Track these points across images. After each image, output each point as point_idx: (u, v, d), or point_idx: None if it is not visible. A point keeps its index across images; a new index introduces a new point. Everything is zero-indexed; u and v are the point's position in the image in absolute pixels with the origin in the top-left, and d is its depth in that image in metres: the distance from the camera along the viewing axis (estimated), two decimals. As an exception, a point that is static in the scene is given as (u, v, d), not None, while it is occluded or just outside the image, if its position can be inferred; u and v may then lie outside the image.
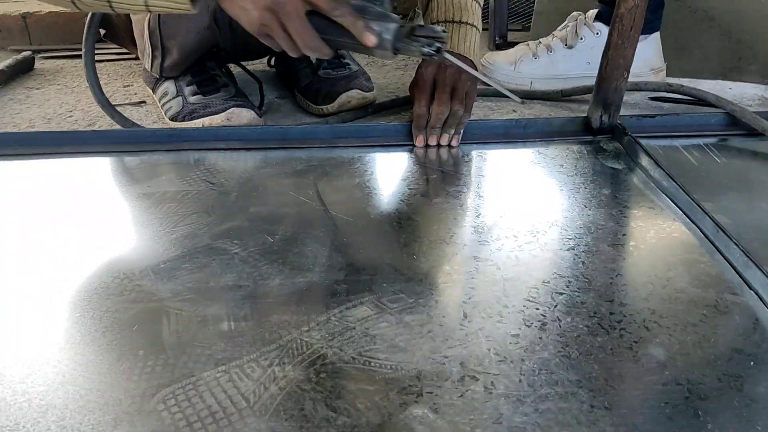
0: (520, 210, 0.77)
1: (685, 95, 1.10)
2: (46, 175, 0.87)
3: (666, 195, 0.79)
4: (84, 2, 0.78)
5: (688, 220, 0.74)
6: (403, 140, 0.95)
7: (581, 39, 1.21)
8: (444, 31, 0.79)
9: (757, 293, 0.61)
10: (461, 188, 0.83)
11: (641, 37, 1.15)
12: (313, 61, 1.16)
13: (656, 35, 1.22)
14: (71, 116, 1.10)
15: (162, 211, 0.77)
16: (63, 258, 0.68)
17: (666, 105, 1.16)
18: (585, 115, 0.98)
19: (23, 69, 1.35)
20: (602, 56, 0.92)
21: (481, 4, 1.05)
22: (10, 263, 0.67)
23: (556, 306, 0.60)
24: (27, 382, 0.51)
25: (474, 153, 0.93)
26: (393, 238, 0.71)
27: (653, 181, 0.83)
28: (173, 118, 1.05)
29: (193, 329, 0.57)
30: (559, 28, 1.26)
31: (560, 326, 0.57)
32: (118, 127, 0.99)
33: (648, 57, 1.21)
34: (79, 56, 1.01)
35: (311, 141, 0.94)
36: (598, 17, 1.21)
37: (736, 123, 0.98)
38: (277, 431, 0.47)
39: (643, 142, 0.90)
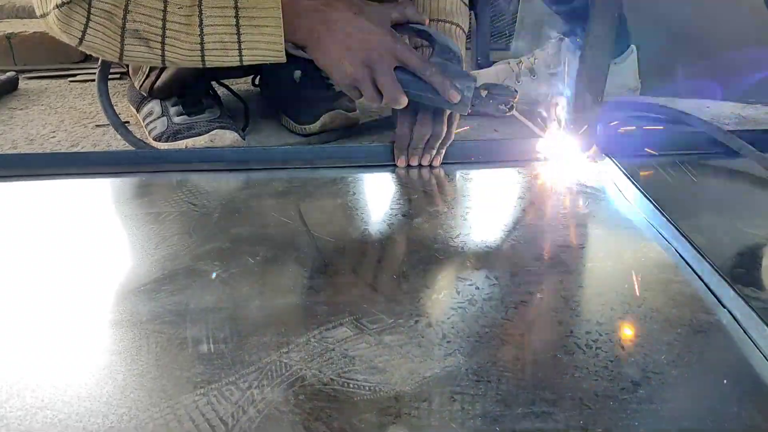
0: (499, 229, 0.78)
1: (663, 114, 1.12)
2: (28, 196, 0.87)
3: (642, 215, 0.80)
4: (173, 59, 0.81)
5: (663, 240, 0.75)
6: (385, 161, 0.96)
7: (564, 64, 1.22)
8: (516, 91, 0.87)
9: (730, 312, 0.62)
10: (442, 209, 0.84)
11: (618, 59, 1.17)
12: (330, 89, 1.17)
13: (633, 56, 1.24)
14: (54, 137, 1.10)
15: (144, 232, 0.77)
16: (42, 279, 0.68)
17: (643, 124, 1.17)
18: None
19: (7, 89, 1.35)
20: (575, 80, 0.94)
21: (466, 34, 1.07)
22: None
23: (533, 325, 0.61)
24: (5, 407, 0.51)
25: (456, 173, 0.94)
26: (373, 259, 0.72)
27: (630, 201, 0.84)
28: (157, 138, 1.06)
29: (173, 351, 0.57)
30: (540, 48, 1.28)
31: (537, 346, 0.58)
32: (102, 148, 1.00)
33: (624, 77, 1.23)
34: (63, 77, 1.02)
35: (293, 162, 0.95)
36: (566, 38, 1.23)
37: (712, 141, 0.99)
38: (255, 454, 0.47)
39: (619, 161, 0.91)
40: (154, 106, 1.08)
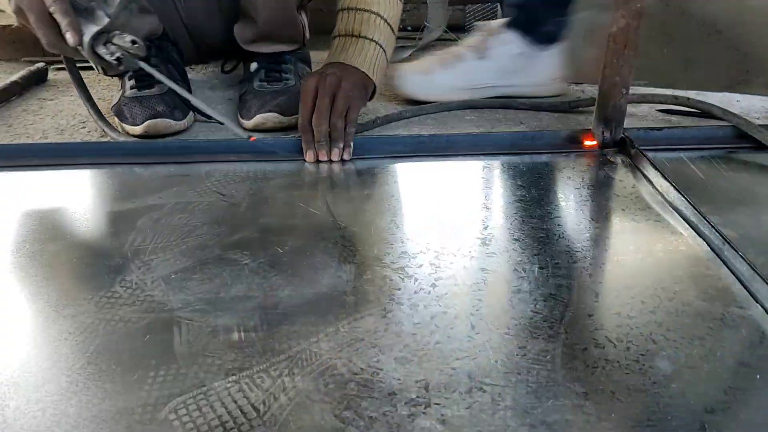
0: (527, 222, 0.77)
1: (693, 108, 1.10)
2: (59, 186, 0.88)
3: (673, 208, 0.80)
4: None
5: (694, 233, 0.74)
6: (413, 152, 0.96)
7: (491, 49, 1.20)
8: (134, 42, 0.86)
9: (763, 306, 0.61)
10: (469, 200, 0.84)
11: (546, 48, 1.17)
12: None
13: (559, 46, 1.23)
14: (84, 127, 1.12)
15: (173, 221, 0.78)
16: (74, 268, 0.69)
17: (673, 118, 1.16)
18: (590, 127, 0.99)
19: (36, 80, 1.37)
20: (601, 75, 0.93)
21: (393, 25, 1.04)
22: (21, 274, 0.68)
23: (562, 318, 0.60)
24: (41, 391, 0.52)
25: (482, 165, 0.94)
26: (401, 250, 0.72)
27: (660, 194, 0.83)
28: (112, 110, 1.10)
29: (204, 339, 0.58)
30: (468, 36, 1.26)
31: (567, 338, 0.58)
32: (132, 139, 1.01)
33: (552, 67, 1.22)
34: (91, 68, 1.03)
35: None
36: (510, 25, 1.21)
37: (743, 136, 0.98)
38: (287, 441, 0.48)
39: (650, 154, 0.90)
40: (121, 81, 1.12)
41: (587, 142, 0.97)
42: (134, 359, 0.56)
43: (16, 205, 0.81)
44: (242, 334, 0.59)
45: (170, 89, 1.01)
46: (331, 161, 0.93)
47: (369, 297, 0.64)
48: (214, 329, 0.59)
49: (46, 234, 0.75)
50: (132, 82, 1.08)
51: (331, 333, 0.59)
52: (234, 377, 0.54)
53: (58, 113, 1.18)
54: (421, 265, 0.69)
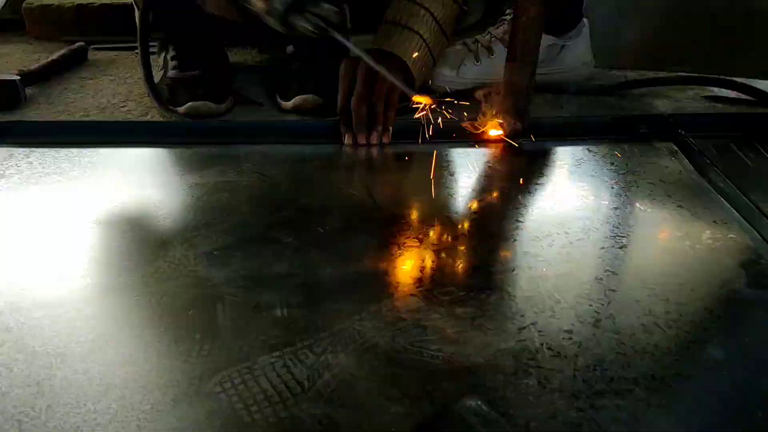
0: (571, 207, 0.76)
1: (741, 92, 1.07)
2: (101, 163, 0.89)
3: (721, 196, 0.78)
4: None
5: (744, 221, 0.72)
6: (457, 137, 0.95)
7: None
8: (337, 13, 0.78)
9: (818, 296, 0.60)
10: (511, 185, 0.83)
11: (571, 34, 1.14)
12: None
13: (585, 30, 1.19)
14: (125, 106, 1.12)
15: (214, 200, 0.78)
16: (120, 244, 0.70)
17: (720, 105, 1.13)
18: (637, 113, 0.97)
19: (77, 60, 1.38)
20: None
21: (444, 25, 1.01)
22: (66, 250, 0.69)
23: (609, 303, 0.59)
24: (87, 362, 0.53)
25: (524, 150, 0.93)
26: (443, 233, 0.71)
27: (708, 182, 0.81)
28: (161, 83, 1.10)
29: (248, 315, 0.58)
30: (496, 24, 1.23)
31: (614, 323, 0.57)
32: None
33: (579, 53, 1.20)
34: (131, 48, 1.04)
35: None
36: None
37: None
38: (333, 417, 0.47)
39: (695, 141, 0.88)
40: (160, 56, 1.13)
41: (630, 128, 0.95)
42: (179, 333, 0.56)
43: (58, 181, 0.82)
44: (285, 310, 0.59)
45: (211, 72, 1.02)
46: (370, 144, 0.93)
47: (410, 277, 0.63)
48: (258, 305, 0.59)
49: (89, 210, 0.76)
50: (174, 62, 1.09)
51: (374, 312, 0.58)
52: (278, 353, 0.54)
53: (98, 92, 1.19)
54: (464, 248, 0.68)
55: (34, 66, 1.22)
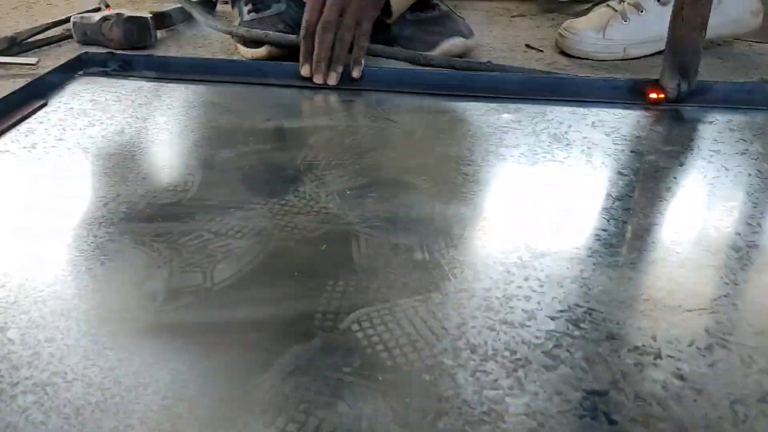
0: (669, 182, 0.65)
1: None
2: (229, 99, 0.85)
3: None
4: None
5: None
6: (601, 97, 0.85)
7: None
8: None
9: None
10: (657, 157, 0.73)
11: None
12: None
13: None
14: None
15: (345, 142, 0.73)
16: (246, 175, 0.65)
17: None
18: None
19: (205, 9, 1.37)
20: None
21: None
22: (192, 177, 0.65)
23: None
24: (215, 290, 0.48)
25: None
26: (591, 187, 0.63)
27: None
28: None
29: (386, 255, 0.52)
30: None
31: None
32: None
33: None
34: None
35: (499, 90, 0.87)
36: None
37: None
38: (488, 370, 0.40)
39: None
40: (236, 10, 1.11)
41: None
42: (311, 266, 0.51)
43: (193, 115, 0.79)
44: (426, 254, 0.52)
45: (288, 7, 1.01)
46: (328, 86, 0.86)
47: (570, 230, 0.55)
48: (396, 247, 0.53)
49: (218, 142, 0.72)
50: (249, 6, 1.06)
51: (528, 265, 0.51)
52: (420, 297, 0.47)
53: (226, 39, 1.17)
54: (626, 209, 0.59)
55: (165, 8, 1.22)
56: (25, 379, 0.39)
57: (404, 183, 0.64)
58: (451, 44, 1.02)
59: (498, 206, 0.60)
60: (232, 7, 1.15)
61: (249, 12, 1.07)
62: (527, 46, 1.15)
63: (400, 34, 1.05)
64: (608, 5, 1.10)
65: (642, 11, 1.05)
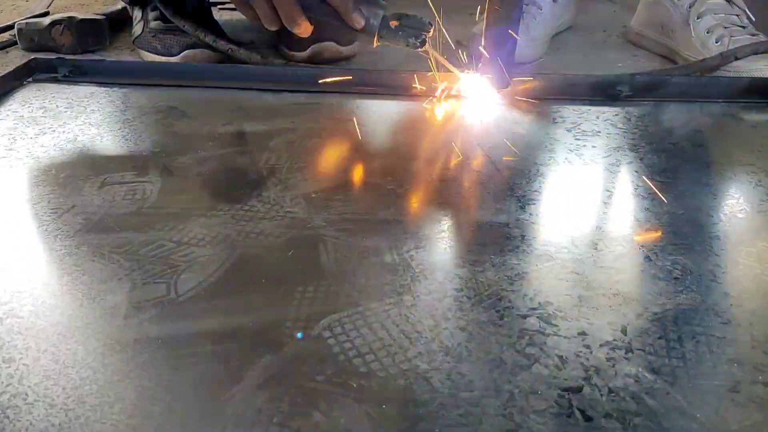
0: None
1: None
2: (185, 104, 0.83)
3: None
4: None
5: None
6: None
7: None
8: (430, 24, 0.74)
9: None
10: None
11: None
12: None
13: None
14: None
15: (308, 144, 0.72)
16: (207, 180, 0.64)
17: None
18: None
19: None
20: None
21: None
22: (153, 185, 0.64)
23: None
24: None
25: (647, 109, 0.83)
26: (565, 186, 0.63)
27: None
28: (135, 41, 1.05)
29: (355, 259, 0.51)
30: None
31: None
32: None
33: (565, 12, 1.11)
34: None
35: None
36: None
37: None
38: (463, 372, 0.40)
39: None
40: (136, 12, 1.07)
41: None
42: (279, 273, 0.50)
43: (149, 121, 0.77)
44: (395, 256, 0.52)
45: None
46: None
47: (534, 229, 0.55)
48: (365, 250, 0.53)
49: (176, 148, 0.70)
50: (156, 12, 1.04)
51: (498, 263, 0.51)
52: (392, 300, 0.47)
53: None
54: (603, 202, 0.60)
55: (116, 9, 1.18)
56: (-18, 404, 0.37)
57: (370, 184, 0.63)
58: (323, 47, 1.02)
59: (467, 205, 0.60)
60: (131, 7, 1.11)
61: (155, 19, 1.03)
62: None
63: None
64: None
65: None
